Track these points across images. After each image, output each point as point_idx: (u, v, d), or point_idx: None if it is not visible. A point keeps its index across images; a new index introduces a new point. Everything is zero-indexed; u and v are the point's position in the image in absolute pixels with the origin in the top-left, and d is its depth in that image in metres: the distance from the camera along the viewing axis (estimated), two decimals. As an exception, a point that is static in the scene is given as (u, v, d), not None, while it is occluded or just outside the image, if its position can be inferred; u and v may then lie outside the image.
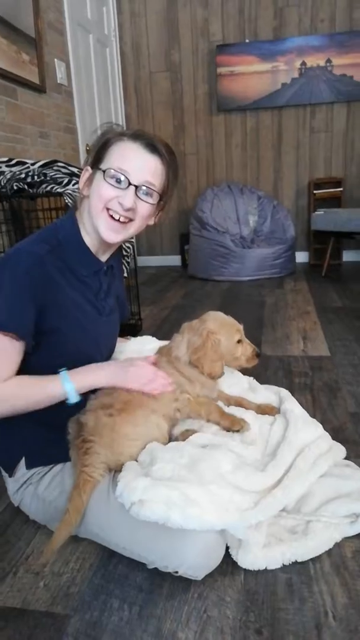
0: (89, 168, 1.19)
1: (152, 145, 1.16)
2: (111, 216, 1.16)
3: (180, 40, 4.68)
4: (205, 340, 1.35)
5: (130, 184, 1.14)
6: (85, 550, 1.18)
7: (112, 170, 1.14)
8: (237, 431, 1.33)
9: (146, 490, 1.05)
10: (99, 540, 1.15)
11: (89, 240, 1.22)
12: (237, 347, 1.42)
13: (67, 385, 1.15)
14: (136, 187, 1.15)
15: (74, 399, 1.17)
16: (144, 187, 1.16)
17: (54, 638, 0.96)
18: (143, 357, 1.36)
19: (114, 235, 1.18)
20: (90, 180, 1.18)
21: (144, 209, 1.18)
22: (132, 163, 1.14)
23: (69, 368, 1.19)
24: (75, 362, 1.21)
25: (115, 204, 1.15)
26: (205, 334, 1.36)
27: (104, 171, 1.14)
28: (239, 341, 1.42)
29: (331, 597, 1.03)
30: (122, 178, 1.14)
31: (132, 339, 1.64)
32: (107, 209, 1.16)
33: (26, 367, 1.15)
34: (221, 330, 1.39)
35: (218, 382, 1.47)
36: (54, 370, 1.17)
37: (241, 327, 1.44)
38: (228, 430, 1.34)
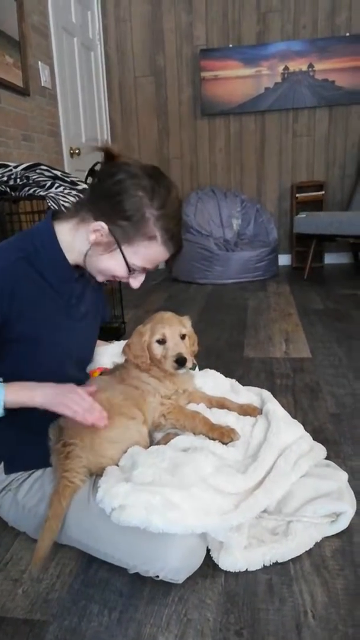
0: (104, 227, 1.11)
1: (176, 245, 1.18)
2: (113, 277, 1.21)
3: (165, 44, 4.69)
4: (134, 333, 1.41)
5: (145, 272, 1.21)
6: (65, 556, 1.17)
7: (135, 271, 1.17)
8: (227, 443, 1.32)
9: (127, 495, 1.05)
10: (80, 546, 1.14)
11: (67, 251, 1.19)
12: (157, 347, 1.37)
13: None
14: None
15: None
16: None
17: (32, 644, 0.95)
18: (86, 385, 1.30)
19: (109, 282, 1.26)
20: (106, 243, 1.13)
21: None
22: (155, 263, 1.19)
23: (38, 375, 1.16)
24: (45, 369, 1.20)
25: (125, 280, 1.21)
26: (137, 328, 1.42)
27: (127, 263, 1.15)
28: (160, 342, 1.37)
29: (311, 597, 1.03)
30: (141, 272, 1.20)
31: (115, 342, 1.63)
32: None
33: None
34: (149, 325, 1.41)
35: (191, 375, 1.49)
36: (16, 377, 1.14)
37: (179, 330, 1.38)
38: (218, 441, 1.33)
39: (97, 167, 1.18)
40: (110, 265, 1.16)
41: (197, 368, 1.57)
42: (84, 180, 1.25)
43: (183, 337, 1.39)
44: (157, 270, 1.20)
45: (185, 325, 1.43)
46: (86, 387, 1.23)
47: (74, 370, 1.33)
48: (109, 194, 1.11)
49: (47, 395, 1.12)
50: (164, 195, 1.12)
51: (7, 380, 1.14)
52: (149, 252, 1.14)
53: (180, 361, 1.34)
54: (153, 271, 1.26)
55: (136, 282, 1.22)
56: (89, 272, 1.22)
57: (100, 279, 1.22)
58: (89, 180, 1.21)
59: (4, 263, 1.11)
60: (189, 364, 1.36)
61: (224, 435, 1.32)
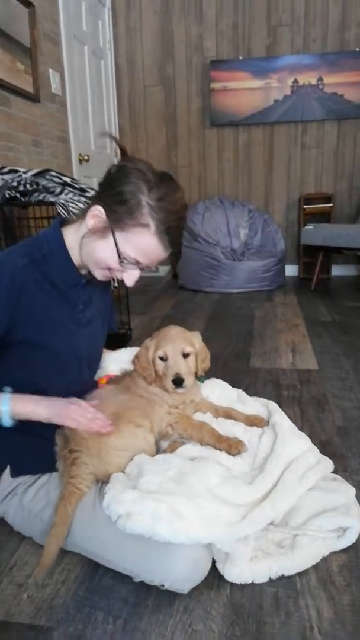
0: (102, 212, 1.14)
1: (172, 243, 1.17)
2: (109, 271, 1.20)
3: (175, 55, 4.73)
4: (142, 346, 1.40)
5: (140, 267, 1.20)
6: (70, 562, 1.16)
7: (126, 260, 1.16)
8: (234, 455, 1.31)
9: (133, 503, 1.04)
10: (84, 553, 1.14)
11: (75, 255, 1.22)
12: (159, 363, 1.35)
13: (4, 407, 1.12)
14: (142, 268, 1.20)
15: (6, 422, 1.13)
16: (147, 267, 1.21)
17: (36, 652, 0.95)
18: (91, 395, 1.34)
19: (107, 279, 1.24)
20: (101, 228, 1.15)
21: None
22: (149, 258, 1.18)
23: (50, 380, 1.20)
24: (55, 373, 1.21)
25: (118, 273, 1.20)
26: (145, 341, 1.41)
27: (119, 249, 1.14)
28: (162, 359, 1.35)
29: (317, 612, 1.02)
30: (134, 265, 1.18)
31: (123, 349, 1.64)
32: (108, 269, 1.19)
33: (8, 376, 1.17)
34: (155, 339, 1.39)
35: (198, 385, 1.47)
36: (25, 382, 1.17)
37: (182, 348, 1.34)
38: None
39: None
40: (103, 253, 1.15)
41: (204, 380, 1.55)
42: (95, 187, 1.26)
43: (187, 355, 1.36)
44: (157, 271, 1.18)
45: (192, 342, 1.39)
46: (88, 400, 1.26)
47: (85, 375, 1.34)
48: (110, 180, 1.14)
49: (50, 408, 1.16)
50: (166, 191, 1.13)
51: (18, 384, 1.15)
52: (141, 241, 1.13)
53: (177, 381, 1.31)
54: (150, 271, 1.25)
55: (129, 278, 1.20)
56: (88, 270, 1.22)
57: (98, 274, 1.21)
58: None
59: (12, 268, 1.12)
60: (187, 384, 1.33)
61: (232, 447, 1.31)
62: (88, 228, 1.16)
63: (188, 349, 1.36)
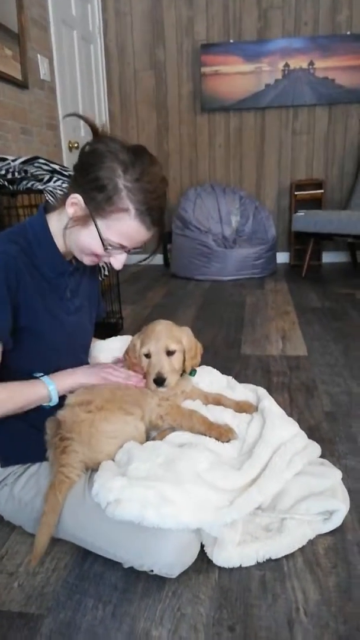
0: (80, 200, 1.11)
1: (154, 222, 1.14)
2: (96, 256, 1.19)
3: (165, 39, 4.67)
4: (131, 340, 1.41)
5: (126, 251, 1.19)
6: (60, 550, 1.18)
7: (111, 246, 1.15)
8: (224, 442, 1.32)
9: (122, 489, 1.05)
10: (75, 540, 1.15)
11: (60, 242, 1.21)
12: (144, 360, 1.35)
13: (50, 386, 1.20)
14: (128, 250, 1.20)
15: (54, 401, 1.22)
16: (134, 249, 1.21)
17: (27, 638, 0.96)
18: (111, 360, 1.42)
19: (94, 263, 1.23)
20: (82, 217, 1.13)
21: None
22: (133, 241, 1.16)
23: (44, 367, 1.23)
24: (47, 361, 1.22)
25: (105, 258, 1.19)
26: (134, 337, 1.41)
27: (102, 237, 1.13)
28: (147, 356, 1.34)
29: (303, 594, 1.04)
30: (119, 249, 1.17)
31: (113, 338, 1.64)
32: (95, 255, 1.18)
33: (15, 367, 1.18)
34: (142, 336, 1.38)
35: (188, 378, 1.45)
36: (29, 371, 1.21)
37: (166, 345, 1.32)
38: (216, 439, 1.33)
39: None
40: (87, 241, 1.14)
41: (195, 374, 1.53)
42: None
43: (171, 353, 1.33)
44: (142, 250, 1.17)
45: (179, 339, 1.36)
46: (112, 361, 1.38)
47: (77, 363, 1.35)
48: (84, 166, 1.11)
49: (88, 374, 1.27)
50: (142, 169, 1.09)
51: (17, 372, 1.18)
52: (122, 227, 1.12)
53: (158, 381, 1.29)
54: (136, 252, 1.23)
55: (117, 262, 1.20)
56: (74, 257, 1.23)
57: (86, 260, 1.20)
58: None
59: (5, 256, 1.11)
60: (170, 382, 1.31)
61: (222, 435, 1.32)
62: (69, 217, 1.15)
63: (173, 347, 1.33)
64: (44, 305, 1.20)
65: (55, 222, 1.20)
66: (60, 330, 1.25)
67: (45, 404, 1.23)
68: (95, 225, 1.12)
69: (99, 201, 1.09)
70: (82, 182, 1.11)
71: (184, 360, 1.37)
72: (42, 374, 1.23)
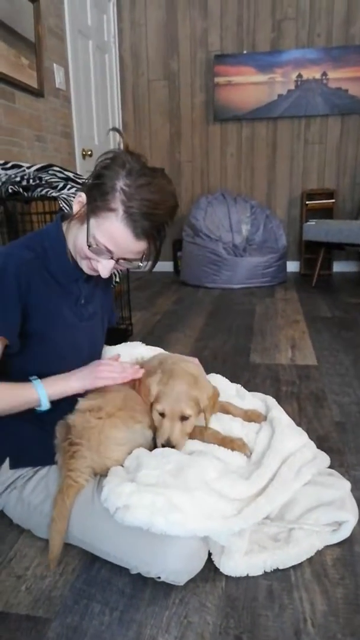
0: (84, 199, 1.14)
1: (143, 232, 1.11)
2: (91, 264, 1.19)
3: (179, 49, 4.72)
4: (144, 375, 1.33)
5: (112, 258, 1.15)
6: (68, 554, 1.18)
7: (96, 246, 1.12)
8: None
9: (131, 495, 1.06)
10: (82, 545, 1.15)
11: (73, 249, 1.22)
12: (156, 414, 1.30)
13: (40, 391, 1.18)
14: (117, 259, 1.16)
15: (45, 406, 1.20)
16: (123, 260, 1.17)
17: (34, 641, 0.97)
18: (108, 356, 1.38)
19: (91, 271, 1.21)
20: (82, 215, 1.15)
21: (123, 267, 1.23)
22: (120, 247, 1.13)
23: (51, 372, 1.22)
24: (56, 366, 1.23)
25: (94, 262, 1.17)
26: (148, 372, 1.34)
27: (88, 232, 1.12)
28: (160, 413, 1.30)
29: (311, 605, 1.04)
30: (105, 253, 1.14)
31: (122, 344, 1.65)
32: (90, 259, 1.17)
33: (8, 371, 1.19)
34: (160, 387, 1.31)
35: None
36: (30, 374, 1.21)
37: (181, 410, 1.27)
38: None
39: None
40: (80, 239, 1.14)
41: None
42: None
43: (186, 418, 1.29)
44: (140, 268, 1.16)
45: (198, 401, 1.30)
46: (108, 357, 1.32)
47: None
48: (97, 168, 1.13)
49: (81, 378, 1.22)
50: (149, 180, 1.09)
51: (22, 376, 1.19)
52: (108, 227, 1.09)
53: (167, 446, 1.26)
54: (134, 267, 1.20)
55: (103, 268, 1.16)
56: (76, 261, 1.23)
57: (83, 266, 1.20)
58: None
59: (19, 260, 1.14)
60: (177, 449, 1.26)
61: (235, 450, 1.32)
62: (74, 215, 1.17)
63: (188, 412, 1.28)
64: (54, 311, 1.21)
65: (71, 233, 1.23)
66: (71, 335, 1.26)
67: (37, 408, 1.20)
68: (87, 222, 1.12)
69: (96, 199, 1.10)
70: (90, 183, 1.13)
71: (205, 416, 1.34)
72: (35, 377, 1.21)
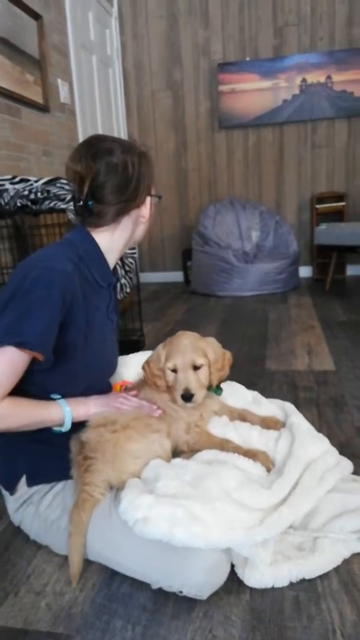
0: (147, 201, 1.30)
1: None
2: None
3: (182, 59, 4.75)
4: (153, 352, 1.37)
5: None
6: (88, 570, 1.16)
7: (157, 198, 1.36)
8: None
9: (150, 507, 1.03)
10: (101, 560, 1.13)
11: (108, 257, 1.27)
12: (170, 374, 1.31)
13: (66, 410, 1.17)
14: None
15: (67, 427, 1.19)
16: None
17: (55, 660, 0.94)
18: (124, 390, 1.40)
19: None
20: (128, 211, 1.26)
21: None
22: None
23: (72, 388, 1.21)
24: (80, 381, 1.22)
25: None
26: (157, 348, 1.37)
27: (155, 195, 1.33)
28: (173, 370, 1.31)
29: (339, 615, 1.00)
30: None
31: (136, 353, 1.63)
32: None
33: (25, 388, 1.15)
34: (167, 348, 1.34)
35: (216, 397, 1.42)
36: (49, 390, 1.18)
37: (192, 360, 1.29)
38: None
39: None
40: (140, 222, 1.31)
41: (221, 393, 1.45)
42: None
43: (198, 367, 1.30)
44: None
45: (205, 352, 1.32)
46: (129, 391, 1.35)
47: (104, 381, 1.35)
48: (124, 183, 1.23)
49: (99, 405, 1.24)
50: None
51: (40, 389, 1.17)
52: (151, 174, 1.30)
53: (186, 397, 1.26)
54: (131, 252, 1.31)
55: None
56: (138, 239, 1.35)
57: (143, 231, 1.35)
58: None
59: (64, 275, 1.10)
60: (197, 398, 1.28)
61: (258, 461, 1.28)
62: (146, 218, 1.31)
63: (200, 361, 1.30)
64: (90, 322, 1.20)
65: (106, 240, 1.26)
66: (100, 345, 1.26)
67: (55, 428, 1.19)
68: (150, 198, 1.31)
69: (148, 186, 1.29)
70: (142, 189, 1.26)
71: (210, 373, 1.34)
72: (59, 396, 1.19)
